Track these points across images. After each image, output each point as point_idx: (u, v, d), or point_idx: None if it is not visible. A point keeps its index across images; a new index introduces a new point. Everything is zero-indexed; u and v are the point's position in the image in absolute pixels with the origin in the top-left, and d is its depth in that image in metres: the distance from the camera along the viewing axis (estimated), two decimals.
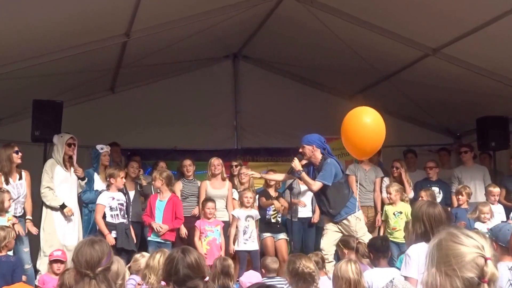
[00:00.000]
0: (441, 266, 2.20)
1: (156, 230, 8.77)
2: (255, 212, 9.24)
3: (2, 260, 6.79)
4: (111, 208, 8.60)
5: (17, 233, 7.76)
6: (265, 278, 6.74)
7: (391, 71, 10.72)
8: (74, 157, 9.07)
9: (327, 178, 7.99)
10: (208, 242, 8.85)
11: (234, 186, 9.88)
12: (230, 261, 6.46)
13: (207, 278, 3.66)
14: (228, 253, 8.85)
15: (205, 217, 9.06)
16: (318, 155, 8.21)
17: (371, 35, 9.28)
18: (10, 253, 7.31)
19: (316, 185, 8.04)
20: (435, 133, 13.05)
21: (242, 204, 9.17)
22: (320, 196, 8.18)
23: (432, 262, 2.26)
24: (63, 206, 8.74)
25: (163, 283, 3.63)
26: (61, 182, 8.91)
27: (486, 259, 2.15)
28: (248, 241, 9.01)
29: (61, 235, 8.76)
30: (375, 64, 10.32)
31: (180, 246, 8.73)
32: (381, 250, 6.32)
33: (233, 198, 9.68)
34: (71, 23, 7.82)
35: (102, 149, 9.48)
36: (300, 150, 8.28)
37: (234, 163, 10.59)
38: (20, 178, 8.46)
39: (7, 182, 8.30)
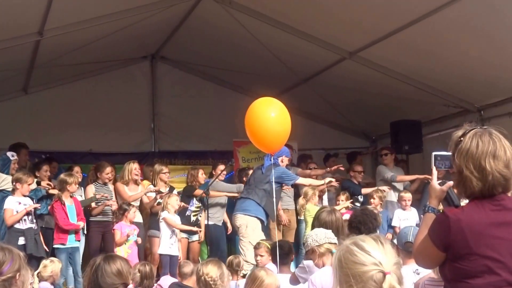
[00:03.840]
0: (344, 285, 2.21)
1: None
2: (178, 217, 9.16)
3: None
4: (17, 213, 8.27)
5: None
6: None
7: (309, 74, 10.86)
8: None
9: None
10: (130, 246, 8.67)
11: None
12: (151, 266, 6.41)
13: (130, 286, 3.62)
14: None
15: (127, 220, 8.86)
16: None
17: (289, 38, 9.37)
18: None
19: None
20: (352, 136, 13.28)
21: (168, 209, 9.01)
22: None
23: (335, 279, 2.26)
24: None
25: None
26: None
27: (385, 274, 2.15)
28: (173, 246, 8.91)
29: None
30: (293, 67, 10.44)
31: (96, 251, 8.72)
32: (285, 256, 6.41)
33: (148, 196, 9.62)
34: None
35: (13, 156, 9.14)
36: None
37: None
38: None
39: None
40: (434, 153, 3.10)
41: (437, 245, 2.77)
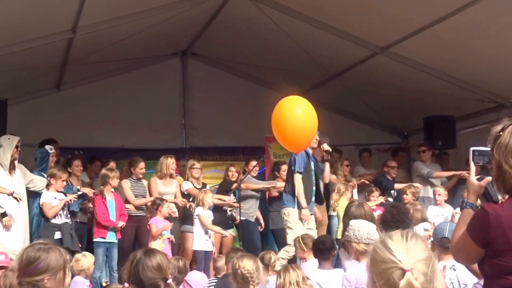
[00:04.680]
0: (370, 283, 2.23)
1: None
2: (211, 213, 9.20)
3: None
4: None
5: None
6: (213, 278, 6.71)
7: (340, 69, 10.79)
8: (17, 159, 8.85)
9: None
10: (164, 241, 8.72)
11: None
12: (185, 261, 6.45)
13: (170, 280, 3.63)
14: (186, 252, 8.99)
15: (162, 216, 8.89)
16: None
17: (320, 33, 9.33)
18: None
19: None
20: (383, 132, 13.20)
21: (203, 206, 9.04)
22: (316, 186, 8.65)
23: (368, 277, 2.27)
24: (3, 215, 8.48)
25: (126, 284, 3.56)
26: (5, 187, 8.66)
27: (404, 271, 2.14)
28: (208, 241, 8.94)
29: (6, 241, 8.51)
30: (324, 62, 10.39)
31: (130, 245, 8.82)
32: (326, 251, 6.29)
33: (187, 189, 9.69)
34: (16, 18, 7.65)
35: (51, 149, 9.27)
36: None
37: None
38: None
39: None
40: (472, 148, 3.07)
41: (476, 242, 2.74)
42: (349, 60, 10.31)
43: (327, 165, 8.85)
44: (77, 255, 6.97)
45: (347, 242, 5.03)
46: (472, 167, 3.02)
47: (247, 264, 4.85)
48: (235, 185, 9.86)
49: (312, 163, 8.66)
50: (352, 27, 9.13)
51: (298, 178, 8.50)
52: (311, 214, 8.63)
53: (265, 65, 11.57)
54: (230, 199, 9.82)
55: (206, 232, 8.93)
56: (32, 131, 10.32)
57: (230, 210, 9.79)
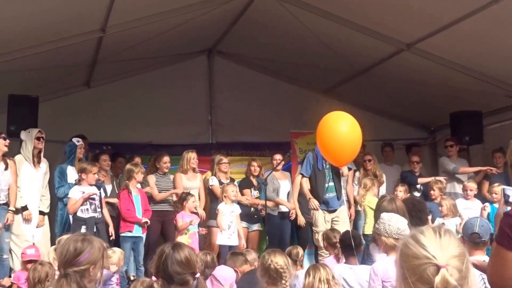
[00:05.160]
0: (401, 278, 2.22)
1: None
2: (237, 207, 9.27)
3: None
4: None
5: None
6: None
7: (365, 66, 10.79)
8: (43, 151, 9.03)
9: None
10: (190, 236, 8.82)
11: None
12: (213, 255, 6.52)
13: (198, 274, 3.63)
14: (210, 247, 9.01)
15: (188, 210, 8.99)
16: None
17: (345, 31, 9.35)
18: None
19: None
20: (409, 127, 13.17)
21: (227, 198, 9.13)
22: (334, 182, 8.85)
23: (398, 272, 2.26)
24: (24, 208, 8.67)
25: (153, 278, 3.58)
26: (30, 180, 8.86)
27: (439, 268, 2.13)
28: (231, 236, 9.01)
29: (30, 235, 8.72)
30: (350, 59, 10.40)
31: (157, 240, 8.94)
32: (351, 247, 6.32)
33: (212, 185, 9.79)
34: (47, 18, 7.79)
35: (78, 141, 9.43)
36: None
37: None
38: (6, 167, 8.37)
39: None
40: (504, 188, 3.18)
41: (508, 247, 2.70)
42: (375, 57, 10.30)
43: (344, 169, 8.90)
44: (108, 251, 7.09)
45: (377, 235, 5.00)
46: (502, 201, 3.08)
47: (279, 260, 4.81)
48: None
49: (321, 164, 8.85)
50: (378, 24, 9.13)
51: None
52: (332, 211, 8.82)
53: (290, 62, 11.62)
54: (248, 199, 9.87)
55: (229, 227, 9.00)
56: (62, 127, 10.54)
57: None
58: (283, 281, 4.72)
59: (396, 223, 4.92)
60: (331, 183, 8.91)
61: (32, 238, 8.71)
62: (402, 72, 10.36)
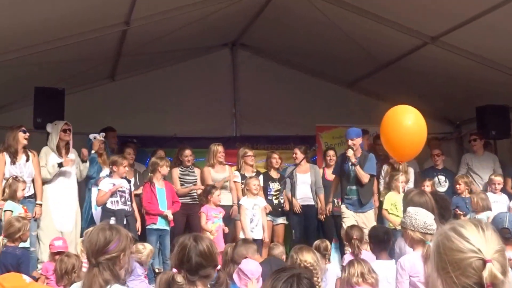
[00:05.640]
0: (441, 272, 2.12)
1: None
2: (261, 200, 9.26)
3: (8, 251, 6.63)
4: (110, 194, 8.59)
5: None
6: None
7: (390, 59, 10.72)
8: (71, 143, 9.11)
9: (374, 170, 8.84)
10: (215, 229, 8.80)
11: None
12: None
13: (219, 267, 3.60)
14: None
15: (213, 203, 9.00)
16: (359, 148, 8.89)
17: (369, 24, 9.29)
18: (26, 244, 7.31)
19: (368, 177, 8.74)
20: (435, 121, 13.02)
21: (249, 192, 9.14)
22: (357, 186, 8.76)
23: (433, 266, 2.17)
24: (60, 165, 8.74)
25: (174, 270, 3.50)
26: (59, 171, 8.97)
27: (485, 262, 2.04)
28: (255, 230, 9.00)
29: (58, 222, 8.79)
30: (374, 52, 10.34)
31: (184, 232, 8.96)
32: (383, 242, 6.26)
33: (235, 181, 9.78)
34: (72, 11, 7.84)
35: (95, 138, 9.52)
36: (351, 142, 8.73)
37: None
38: (27, 159, 8.47)
39: (13, 162, 8.34)
40: None
41: None
42: (400, 50, 10.22)
43: (357, 169, 8.75)
44: (139, 246, 7.11)
45: (403, 228, 4.88)
46: None
47: (308, 257, 4.78)
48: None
49: (346, 166, 8.84)
50: (402, 17, 9.06)
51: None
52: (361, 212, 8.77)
53: (314, 55, 11.58)
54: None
55: (252, 220, 9.00)
56: (87, 119, 10.60)
57: (276, 199, 9.87)
58: (315, 278, 4.66)
59: (422, 218, 4.77)
60: (354, 187, 8.86)
61: (60, 226, 8.78)
62: (427, 65, 10.27)
